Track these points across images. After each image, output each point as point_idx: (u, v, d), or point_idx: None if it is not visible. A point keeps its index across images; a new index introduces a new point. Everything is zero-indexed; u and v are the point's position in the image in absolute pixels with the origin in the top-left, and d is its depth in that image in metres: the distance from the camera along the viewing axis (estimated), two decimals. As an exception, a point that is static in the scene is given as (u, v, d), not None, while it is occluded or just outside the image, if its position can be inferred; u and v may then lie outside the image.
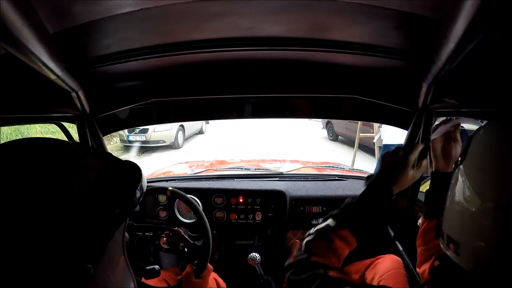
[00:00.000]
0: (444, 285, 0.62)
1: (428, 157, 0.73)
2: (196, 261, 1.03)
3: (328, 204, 1.42)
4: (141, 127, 6.14)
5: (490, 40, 0.57)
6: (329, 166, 1.91)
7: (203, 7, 0.59)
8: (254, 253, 1.01)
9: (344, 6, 0.58)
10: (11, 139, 0.45)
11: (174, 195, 1.11)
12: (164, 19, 0.64)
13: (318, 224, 0.70)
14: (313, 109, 1.29)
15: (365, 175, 1.70)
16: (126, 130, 6.21)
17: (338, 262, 0.63)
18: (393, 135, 3.44)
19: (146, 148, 6.77)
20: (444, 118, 0.86)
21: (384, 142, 3.80)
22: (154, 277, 0.93)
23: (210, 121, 9.39)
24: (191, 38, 0.73)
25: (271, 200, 1.39)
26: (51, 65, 0.59)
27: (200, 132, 8.88)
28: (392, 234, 1.33)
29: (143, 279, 1.00)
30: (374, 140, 4.50)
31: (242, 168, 1.75)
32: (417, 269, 0.86)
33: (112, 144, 7.19)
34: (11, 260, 0.33)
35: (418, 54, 0.73)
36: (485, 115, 0.83)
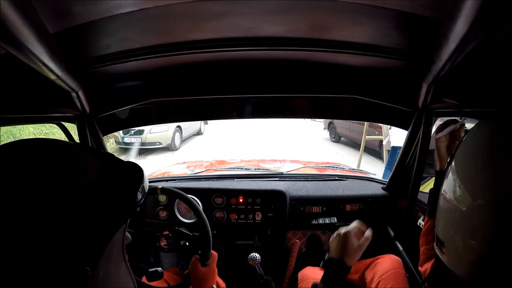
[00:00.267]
0: (439, 285, 0.63)
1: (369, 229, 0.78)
2: (200, 251, 1.03)
3: (328, 204, 1.42)
4: (137, 128, 5.99)
5: (490, 40, 0.57)
6: (329, 166, 1.91)
7: (203, 7, 0.59)
8: (254, 253, 1.01)
9: (344, 6, 0.58)
10: (3, 141, 0.44)
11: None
12: (164, 19, 0.64)
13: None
14: (313, 109, 1.29)
15: (365, 175, 1.70)
16: (121, 132, 6.06)
17: None
18: (401, 138, 3.35)
19: (142, 150, 6.50)
20: (451, 118, 0.85)
21: (392, 144, 3.68)
22: (157, 279, 0.93)
23: (209, 122, 9.29)
24: (191, 38, 0.73)
25: (271, 200, 1.39)
26: (51, 65, 0.59)
27: (199, 133, 8.61)
28: (392, 234, 1.33)
29: (143, 279, 1.00)
30: (384, 143, 4.28)
31: (242, 168, 1.75)
32: (419, 268, 0.87)
33: (108, 146, 6.93)
34: (8, 261, 0.33)
35: (418, 54, 0.73)
36: (485, 115, 0.83)
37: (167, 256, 1.51)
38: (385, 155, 4.31)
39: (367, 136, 4.58)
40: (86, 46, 0.73)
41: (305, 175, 1.66)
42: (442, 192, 0.57)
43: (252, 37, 0.73)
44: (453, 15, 0.45)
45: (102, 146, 1.12)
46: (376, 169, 3.75)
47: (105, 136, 1.15)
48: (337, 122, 7.18)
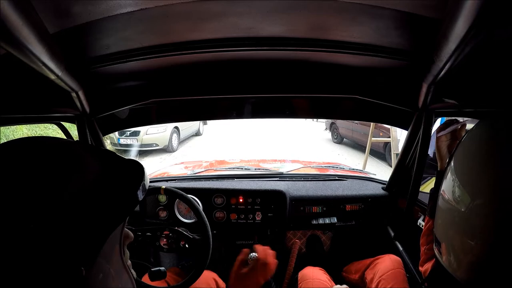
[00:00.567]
0: (438, 285, 0.63)
1: None
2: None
3: (328, 204, 1.42)
4: (132, 130, 5.78)
5: (490, 40, 0.57)
6: (329, 166, 1.91)
7: (203, 7, 0.59)
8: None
9: (344, 6, 0.58)
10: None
11: (168, 193, 1.11)
12: (164, 19, 0.64)
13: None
14: (313, 109, 1.29)
15: (365, 175, 1.70)
16: (116, 133, 5.83)
17: None
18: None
19: (138, 152, 6.19)
20: (453, 118, 0.85)
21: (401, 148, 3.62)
22: (160, 279, 0.92)
23: (208, 122, 9.24)
24: (191, 38, 0.73)
25: (271, 200, 1.40)
26: (51, 65, 0.59)
27: (197, 134, 8.41)
28: (392, 234, 1.33)
29: (145, 278, 1.00)
30: (392, 147, 4.08)
31: (242, 168, 1.75)
32: (420, 268, 0.87)
33: (104, 147, 6.98)
34: (2, 259, 0.32)
35: (418, 54, 0.73)
36: (485, 115, 0.83)
37: (167, 256, 1.51)
38: (393, 159, 4.07)
39: (373, 138, 4.24)
40: (86, 46, 0.73)
41: (305, 175, 1.66)
42: (441, 192, 0.57)
43: (252, 37, 0.73)
44: (453, 15, 0.45)
45: (102, 146, 1.12)
46: (380, 171, 3.65)
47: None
48: (340, 123, 7.02)
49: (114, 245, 0.42)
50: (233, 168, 1.80)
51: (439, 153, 0.83)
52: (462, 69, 0.61)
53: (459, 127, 0.81)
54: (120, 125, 1.24)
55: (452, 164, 0.56)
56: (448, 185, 0.55)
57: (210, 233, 1.04)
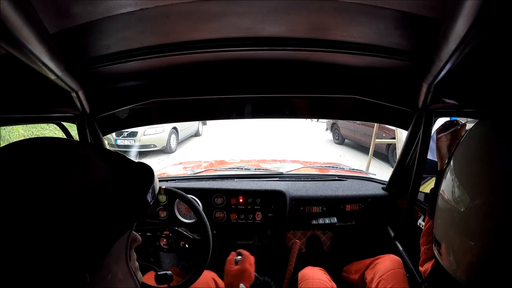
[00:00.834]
0: (438, 286, 0.63)
1: None
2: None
3: (328, 204, 1.42)
4: (130, 130, 5.64)
5: (490, 40, 0.57)
6: (329, 166, 1.91)
7: (203, 7, 0.59)
8: (238, 257, 1.02)
9: (344, 6, 0.58)
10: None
11: (168, 193, 1.11)
12: (164, 19, 0.64)
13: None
14: (313, 109, 1.29)
15: (365, 175, 1.70)
16: (114, 134, 5.77)
17: None
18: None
19: (136, 153, 6.05)
20: (453, 119, 0.85)
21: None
22: (167, 283, 0.92)
23: (207, 123, 9.20)
24: (191, 38, 0.73)
25: (271, 200, 1.40)
26: (51, 65, 0.59)
27: (197, 134, 8.28)
28: (392, 234, 1.33)
29: (144, 279, 1.00)
30: (397, 150, 3.98)
31: (242, 168, 1.75)
32: (420, 268, 0.87)
33: (103, 148, 6.85)
34: (6, 264, 0.32)
35: (418, 54, 0.73)
36: (485, 115, 0.83)
37: (167, 256, 1.51)
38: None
39: (376, 140, 4.15)
40: (86, 46, 0.73)
41: (305, 175, 1.66)
42: (440, 192, 0.57)
43: (252, 37, 0.73)
44: (453, 15, 0.45)
45: (102, 146, 1.12)
46: (383, 173, 3.51)
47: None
48: (341, 123, 6.94)
49: (123, 247, 0.42)
50: (233, 168, 1.80)
51: (439, 153, 0.83)
52: (462, 69, 0.61)
53: (459, 128, 0.81)
54: (120, 125, 1.24)
55: (451, 164, 0.56)
56: (448, 185, 0.55)
57: (210, 233, 1.04)
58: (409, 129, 1.14)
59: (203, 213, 1.08)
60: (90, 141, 1.05)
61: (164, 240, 1.10)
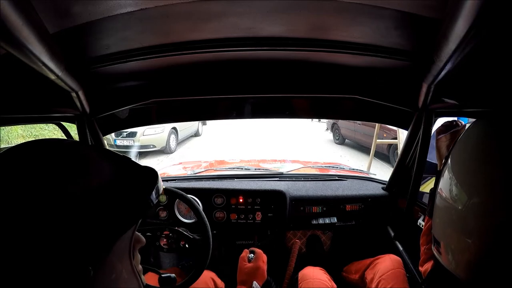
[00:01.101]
0: (437, 285, 0.63)
1: None
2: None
3: (328, 204, 1.42)
4: (129, 130, 5.62)
5: (490, 40, 0.57)
6: (329, 166, 1.91)
7: (203, 7, 0.59)
8: (251, 255, 1.02)
9: (344, 6, 0.58)
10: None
11: (168, 193, 1.11)
12: (164, 19, 0.64)
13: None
14: (313, 109, 1.29)
15: (365, 175, 1.70)
16: (113, 134, 5.74)
17: None
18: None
19: (136, 154, 6.00)
20: (453, 119, 0.85)
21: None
22: (170, 286, 0.92)
23: (207, 123, 9.19)
24: (191, 38, 0.73)
25: (271, 200, 1.40)
26: (51, 65, 0.59)
27: (196, 134, 8.27)
28: (392, 234, 1.33)
29: (151, 278, 0.99)
30: (399, 151, 4.03)
31: (242, 168, 1.75)
32: (420, 268, 0.87)
33: (102, 148, 6.79)
34: (11, 258, 0.33)
35: (418, 54, 0.73)
36: (485, 115, 0.83)
37: (167, 256, 1.51)
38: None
39: (378, 140, 4.08)
40: (86, 46, 0.73)
41: (305, 175, 1.66)
42: (438, 191, 0.57)
43: (252, 37, 0.73)
44: (453, 15, 0.45)
45: (102, 146, 1.12)
46: (384, 173, 3.50)
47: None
48: (341, 123, 6.92)
49: (126, 246, 0.43)
50: (233, 168, 1.81)
51: (439, 153, 0.83)
52: (462, 69, 0.61)
53: (459, 128, 0.81)
54: (120, 125, 1.24)
55: (449, 162, 0.56)
56: (445, 183, 0.55)
57: (210, 233, 1.04)
58: (409, 129, 1.14)
59: (203, 213, 1.08)
60: (90, 141, 1.05)
61: (164, 240, 1.10)
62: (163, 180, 1.53)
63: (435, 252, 0.58)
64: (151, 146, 6.08)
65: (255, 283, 0.90)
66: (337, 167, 1.90)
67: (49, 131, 5.80)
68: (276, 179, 1.57)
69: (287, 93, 1.03)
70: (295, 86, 1.00)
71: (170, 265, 1.50)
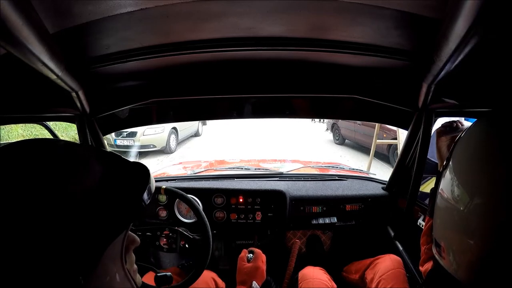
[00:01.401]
0: (437, 286, 0.63)
1: None
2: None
3: (328, 204, 1.42)
4: (129, 130, 5.59)
5: (490, 40, 0.57)
6: (329, 166, 1.91)
7: (203, 7, 0.59)
8: (250, 255, 1.02)
9: (344, 6, 0.58)
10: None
11: (168, 193, 1.11)
12: (164, 19, 0.64)
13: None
14: (313, 109, 1.29)
15: (365, 175, 1.70)
16: (113, 134, 5.66)
17: None
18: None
19: (136, 153, 6.03)
20: (454, 120, 0.85)
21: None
22: (167, 284, 0.92)
23: (207, 123, 9.20)
24: (191, 38, 0.73)
25: (271, 200, 1.40)
26: (51, 65, 0.59)
27: (196, 134, 8.22)
28: (392, 234, 1.33)
29: (144, 279, 0.99)
30: (399, 151, 4.01)
31: (242, 168, 1.75)
32: (420, 268, 0.87)
33: (102, 148, 6.77)
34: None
35: (418, 54, 0.73)
36: (485, 114, 0.83)
37: (167, 256, 1.51)
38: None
39: (378, 140, 4.08)
40: (86, 46, 0.73)
41: (305, 175, 1.66)
42: (439, 191, 0.57)
43: (252, 37, 0.73)
44: (453, 15, 0.45)
45: (102, 146, 1.13)
46: (384, 173, 3.50)
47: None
48: (341, 124, 6.91)
49: (118, 249, 0.41)
50: (233, 168, 1.81)
51: (440, 153, 0.83)
52: (462, 69, 0.61)
53: (459, 128, 0.81)
54: (120, 125, 1.24)
55: (450, 162, 0.56)
56: (447, 184, 0.55)
57: (210, 233, 1.04)
58: (409, 129, 1.14)
59: (203, 213, 1.08)
60: (90, 141, 1.05)
61: (164, 240, 1.10)
62: (163, 180, 1.54)
63: (435, 254, 0.58)
64: (151, 146, 6.08)
65: (254, 283, 0.90)
66: (337, 167, 1.90)
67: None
68: (276, 179, 1.57)
69: (287, 93, 1.03)
70: (295, 86, 1.00)
71: (170, 265, 1.50)
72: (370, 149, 4.12)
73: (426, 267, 0.84)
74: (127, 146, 5.95)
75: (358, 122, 5.93)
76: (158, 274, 0.91)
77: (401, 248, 1.27)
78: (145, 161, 5.86)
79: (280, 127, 8.96)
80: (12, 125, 5.14)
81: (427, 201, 1.06)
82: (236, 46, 0.75)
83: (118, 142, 5.97)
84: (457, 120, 0.84)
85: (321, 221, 1.40)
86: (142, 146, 6.00)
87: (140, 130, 5.82)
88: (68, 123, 1.09)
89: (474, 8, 0.40)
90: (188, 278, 1.01)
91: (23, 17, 0.44)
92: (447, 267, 0.54)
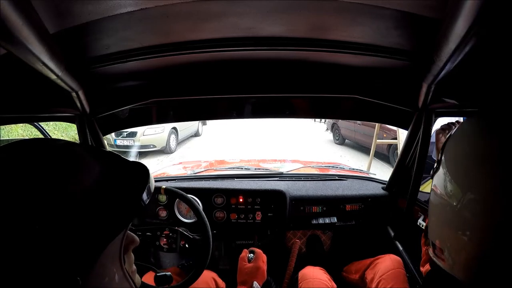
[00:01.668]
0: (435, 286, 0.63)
1: None
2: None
3: (328, 204, 1.42)
4: (129, 130, 5.58)
5: (490, 40, 0.57)
6: (329, 166, 1.91)
7: (203, 7, 0.59)
8: (251, 255, 1.02)
9: (344, 6, 0.58)
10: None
11: (168, 193, 1.11)
12: (164, 19, 0.64)
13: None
14: (313, 109, 1.29)
15: (366, 175, 1.70)
16: (113, 134, 5.65)
17: None
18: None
19: (136, 153, 6.00)
20: (453, 121, 0.85)
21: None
22: (167, 284, 0.92)
23: (207, 123, 9.20)
24: (191, 38, 0.73)
25: (271, 200, 1.40)
26: (51, 65, 0.59)
27: (196, 134, 8.19)
28: (392, 234, 1.33)
29: (144, 279, 0.99)
30: (399, 151, 4.01)
31: (242, 168, 1.75)
32: (421, 268, 0.87)
33: (102, 148, 6.77)
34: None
35: (418, 54, 0.73)
36: (484, 114, 0.83)
37: (167, 256, 1.51)
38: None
39: (378, 140, 4.06)
40: (86, 46, 0.73)
41: (305, 175, 1.66)
42: (432, 187, 0.57)
43: (252, 37, 0.73)
44: (453, 15, 0.45)
45: (102, 145, 1.13)
46: (384, 173, 3.47)
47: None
48: (341, 124, 6.91)
49: (117, 249, 0.40)
50: (233, 168, 1.80)
51: (439, 154, 0.83)
52: (462, 69, 0.61)
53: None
54: (120, 125, 1.24)
55: (442, 158, 0.56)
56: (439, 179, 0.54)
57: (210, 233, 1.04)
58: (409, 129, 1.14)
59: (203, 213, 1.08)
60: (90, 141, 1.05)
61: (164, 240, 1.10)
62: (163, 180, 1.54)
63: (430, 254, 0.58)
64: (151, 146, 6.08)
65: (255, 283, 0.90)
66: (337, 167, 1.90)
67: (49, 131, 5.81)
68: (276, 179, 1.57)
69: (287, 93, 1.03)
70: (295, 86, 1.00)
71: (170, 265, 1.50)
72: (370, 149, 4.12)
73: (427, 267, 0.84)
74: (127, 146, 5.95)
75: (358, 122, 5.93)
76: (158, 274, 0.91)
77: (401, 248, 1.27)
78: (145, 161, 5.85)
79: (280, 127, 8.96)
80: (12, 125, 5.15)
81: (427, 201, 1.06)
82: (236, 46, 0.75)
83: (118, 142, 5.97)
84: (457, 121, 0.84)
85: (321, 221, 1.40)
86: (142, 146, 5.99)
87: (140, 130, 5.82)
88: (68, 123, 1.08)
89: (474, 8, 0.40)
90: (188, 278, 1.01)
91: (23, 17, 0.44)
92: (444, 266, 0.53)
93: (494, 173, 0.47)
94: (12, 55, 0.50)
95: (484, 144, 0.51)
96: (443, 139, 0.81)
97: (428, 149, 1.02)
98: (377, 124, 3.92)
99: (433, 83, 0.72)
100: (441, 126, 0.83)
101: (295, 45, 0.75)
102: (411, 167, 1.24)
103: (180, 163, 2.47)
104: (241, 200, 1.40)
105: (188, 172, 1.76)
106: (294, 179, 1.57)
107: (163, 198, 1.37)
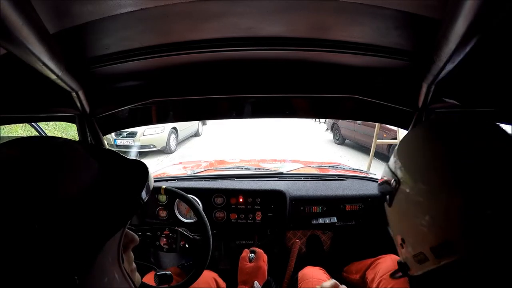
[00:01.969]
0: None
1: None
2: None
3: (328, 204, 1.42)
4: (129, 130, 5.61)
5: (490, 40, 0.57)
6: (329, 166, 1.91)
7: (203, 7, 0.59)
8: (252, 254, 1.03)
9: (344, 6, 0.58)
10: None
11: (168, 193, 1.11)
12: (164, 19, 0.64)
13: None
14: (313, 109, 1.29)
15: (366, 175, 1.70)
16: (113, 134, 5.67)
17: None
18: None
19: (136, 153, 5.98)
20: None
21: None
22: (167, 283, 0.92)
23: (207, 123, 9.21)
24: (191, 38, 0.73)
25: (271, 200, 1.40)
26: (51, 65, 0.59)
27: (196, 134, 8.26)
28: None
29: (144, 279, 1.00)
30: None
31: (242, 168, 1.75)
32: None
33: (102, 148, 6.79)
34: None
35: (418, 54, 0.73)
36: (485, 115, 0.83)
37: (167, 256, 1.51)
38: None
39: (378, 140, 4.05)
40: (86, 46, 0.73)
41: (305, 175, 1.66)
42: (384, 178, 0.59)
43: (252, 37, 0.73)
44: (453, 15, 0.45)
45: (102, 145, 1.13)
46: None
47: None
48: (341, 124, 6.92)
49: (115, 248, 0.40)
50: (233, 168, 1.80)
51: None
52: (462, 69, 0.61)
53: None
54: (120, 125, 1.24)
55: (395, 150, 0.58)
56: (392, 165, 0.57)
57: (210, 233, 1.04)
58: (409, 129, 1.14)
59: (203, 213, 1.08)
60: (90, 141, 1.05)
61: (164, 240, 1.10)
62: (163, 180, 1.54)
63: (398, 252, 0.58)
64: (151, 146, 6.09)
65: (256, 283, 0.90)
66: (337, 167, 1.90)
67: (49, 131, 5.82)
68: (276, 179, 1.57)
69: (287, 93, 1.03)
70: (295, 86, 1.00)
71: (170, 265, 1.50)
72: (370, 149, 4.12)
73: None
74: (127, 146, 5.95)
75: (358, 122, 5.94)
76: (158, 273, 0.91)
77: None
78: (145, 161, 5.90)
79: (280, 127, 8.96)
80: (12, 125, 5.16)
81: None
82: (236, 46, 0.75)
83: (118, 142, 5.97)
84: None
85: (321, 221, 1.40)
86: (142, 146, 6.00)
87: (140, 130, 5.82)
88: (68, 123, 1.08)
89: (474, 8, 0.40)
90: (188, 278, 1.01)
91: (23, 17, 0.44)
92: (408, 260, 0.54)
93: (448, 166, 0.47)
94: (12, 55, 0.50)
95: (431, 147, 0.52)
96: None
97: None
98: (377, 124, 3.90)
99: (433, 83, 0.72)
100: None
101: (295, 45, 0.75)
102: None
103: (180, 163, 2.47)
104: (241, 200, 1.40)
105: (188, 172, 1.76)
106: (294, 179, 1.57)
107: (163, 198, 1.37)
